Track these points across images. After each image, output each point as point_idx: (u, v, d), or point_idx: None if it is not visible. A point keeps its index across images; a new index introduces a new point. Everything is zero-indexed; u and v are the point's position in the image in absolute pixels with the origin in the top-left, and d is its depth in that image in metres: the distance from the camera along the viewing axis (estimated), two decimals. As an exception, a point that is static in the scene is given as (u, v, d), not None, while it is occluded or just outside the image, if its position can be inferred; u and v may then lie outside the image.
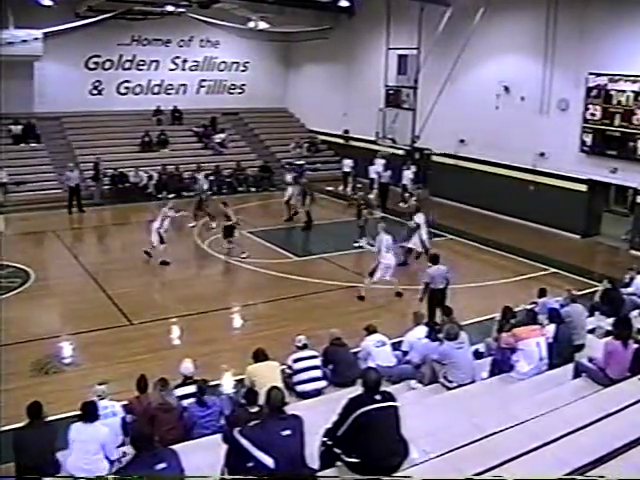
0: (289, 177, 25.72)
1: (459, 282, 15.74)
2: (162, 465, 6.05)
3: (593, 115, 21.81)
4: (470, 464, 6.50)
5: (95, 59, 32.39)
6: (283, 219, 24.30)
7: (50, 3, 26.54)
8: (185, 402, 9.20)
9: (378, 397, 6.70)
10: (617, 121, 21.11)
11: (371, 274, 16.59)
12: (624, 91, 20.82)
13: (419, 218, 19.31)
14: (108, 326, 14.64)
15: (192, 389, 9.37)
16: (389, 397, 6.82)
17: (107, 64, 32.82)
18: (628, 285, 14.82)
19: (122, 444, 8.50)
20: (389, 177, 27.78)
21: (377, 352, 11.30)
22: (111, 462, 7.88)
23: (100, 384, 9.14)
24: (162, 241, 18.99)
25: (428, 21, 24.39)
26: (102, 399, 8.86)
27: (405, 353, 11.51)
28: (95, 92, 32.71)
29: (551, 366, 10.35)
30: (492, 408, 8.66)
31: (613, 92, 21.14)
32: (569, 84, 22.66)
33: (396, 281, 16.83)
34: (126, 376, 10.68)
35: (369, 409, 6.54)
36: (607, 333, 11.35)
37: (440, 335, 10.87)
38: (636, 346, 9.67)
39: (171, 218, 19.44)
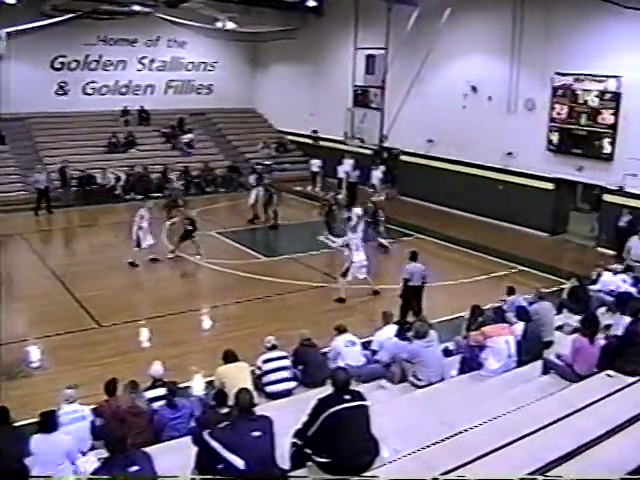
0: (252, 179, 25.45)
1: (428, 280, 15.78)
2: (135, 468, 5.98)
3: (559, 114, 22.05)
4: (441, 462, 6.51)
5: (61, 59, 32.08)
6: (247, 219, 24.18)
7: (13, 1, 26.15)
8: (155, 405, 9.14)
9: (347, 397, 6.68)
10: (583, 120, 21.36)
11: (344, 274, 16.59)
12: (590, 90, 21.07)
13: (357, 211, 19.67)
14: (76, 329, 14.48)
15: (162, 391, 9.31)
16: (359, 396, 6.81)
17: (73, 64, 32.50)
18: (595, 282, 14.98)
19: (92, 448, 8.41)
20: (357, 177, 27.85)
21: (347, 352, 11.29)
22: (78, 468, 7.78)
23: (69, 388, 9.04)
24: (138, 244, 18.87)
25: (396, 21, 24.43)
26: (71, 403, 8.77)
27: (374, 352, 11.52)
28: (61, 92, 32.39)
29: (520, 363, 10.43)
30: (462, 406, 8.70)
31: (579, 92, 21.38)
32: (536, 84, 22.88)
33: (370, 279, 16.88)
34: (95, 379, 10.55)
35: (339, 409, 6.53)
36: (575, 330, 11.45)
37: (409, 334, 10.90)
38: (603, 342, 9.80)
39: (148, 219, 19.22)
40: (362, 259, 16.68)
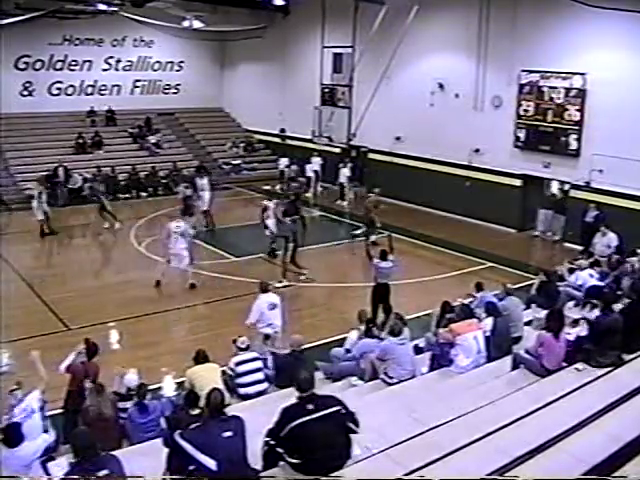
0: (204, 182, 24.18)
1: (398, 278, 15.81)
2: (104, 472, 5.93)
3: (526, 111, 22.25)
4: (412, 458, 6.54)
5: (25, 59, 31.69)
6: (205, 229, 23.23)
7: (-26, 1, 25.78)
8: (124, 415, 9.05)
9: (311, 407, 6.54)
10: (549, 117, 21.58)
11: (168, 261, 17.23)
12: (555, 87, 21.29)
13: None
14: (44, 332, 14.32)
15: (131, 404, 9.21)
16: (324, 404, 6.65)
17: (38, 64, 32.14)
18: (563, 277, 15.09)
19: (56, 446, 8.26)
20: (293, 172, 28.83)
21: (270, 315, 12.39)
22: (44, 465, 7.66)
23: (11, 391, 8.86)
24: None
25: (363, 19, 24.50)
26: (20, 403, 8.52)
27: (348, 351, 11.49)
28: (26, 93, 32.00)
29: (489, 359, 10.49)
30: (433, 402, 8.75)
31: (545, 89, 21.61)
32: (502, 81, 23.04)
33: (190, 271, 17.32)
34: (64, 383, 10.45)
35: (303, 421, 6.44)
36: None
37: (383, 333, 10.91)
38: (570, 337, 9.90)
39: None
40: (175, 248, 17.06)
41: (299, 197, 22.73)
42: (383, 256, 14.91)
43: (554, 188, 22.54)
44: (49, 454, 7.94)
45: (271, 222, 19.76)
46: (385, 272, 14.69)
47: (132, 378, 9.62)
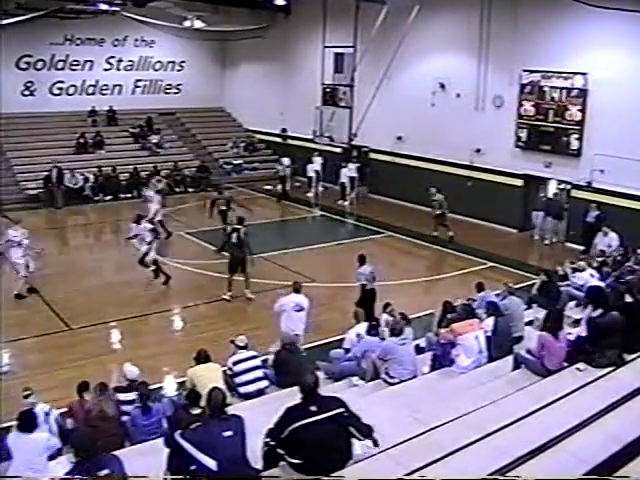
0: (150, 194, 22.66)
1: (399, 278, 15.81)
2: (105, 472, 5.93)
3: (527, 111, 22.22)
4: (413, 458, 6.52)
5: (26, 59, 31.67)
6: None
7: (-25, 1, 25.75)
8: (128, 408, 9.03)
9: (314, 408, 6.45)
10: (550, 117, 21.56)
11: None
12: (557, 87, 21.28)
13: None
14: (46, 332, 14.35)
15: (135, 396, 9.17)
16: (327, 406, 6.55)
17: (39, 64, 32.12)
18: (565, 277, 15.08)
19: (60, 449, 8.29)
20: (282, 170, 29.00)
21: (295, 315, 12.44)
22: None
23: (25, 397, 8.86)
24: None
25: (364, 19, 24.43)
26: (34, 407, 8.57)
27: (347, 351, 11.50)
28: (27, 93, 31.98)
29: (491, 359, 10.48)
30: (434, 402, 8.73)
31: (546, 88, 21.60)
32: (503, 81, 23.03)
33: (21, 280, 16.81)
34: (66, 382, 10.48)
35: (305, 423, 6.36)
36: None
37: (386, 333, 10.91)
38: (569, 337, 9.89)
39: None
40: (13, 257, 16.69)
41: (229, 206, 21.73)
42: (361, 261, 14.82)
43: (552, 189, 22.49)
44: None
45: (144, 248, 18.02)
46: (365, 277, 14.64)
47: (131, 369, 9.62)
